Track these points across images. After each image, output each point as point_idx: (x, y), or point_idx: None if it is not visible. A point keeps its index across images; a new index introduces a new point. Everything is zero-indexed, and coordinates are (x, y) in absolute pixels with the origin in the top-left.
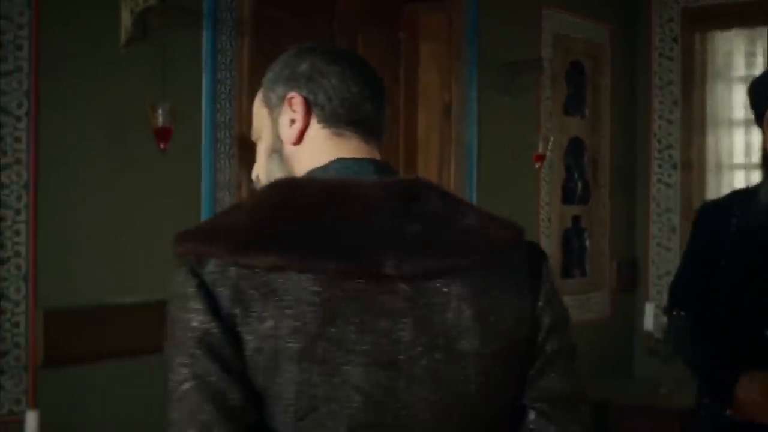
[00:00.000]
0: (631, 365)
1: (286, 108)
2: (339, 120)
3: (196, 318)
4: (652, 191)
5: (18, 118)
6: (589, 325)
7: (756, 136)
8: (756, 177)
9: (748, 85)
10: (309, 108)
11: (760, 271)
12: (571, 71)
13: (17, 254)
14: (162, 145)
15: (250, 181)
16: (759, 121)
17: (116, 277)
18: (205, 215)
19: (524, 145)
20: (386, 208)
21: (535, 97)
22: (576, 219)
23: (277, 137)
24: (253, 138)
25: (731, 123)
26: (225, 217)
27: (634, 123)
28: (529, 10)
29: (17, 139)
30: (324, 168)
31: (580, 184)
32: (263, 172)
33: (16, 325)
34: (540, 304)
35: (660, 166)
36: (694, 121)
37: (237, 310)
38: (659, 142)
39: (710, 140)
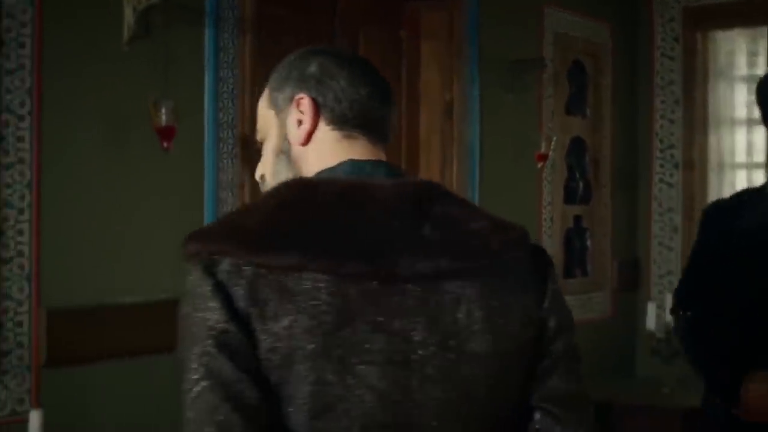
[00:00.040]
0: (633, 365)
1: (293, 109)
2: (347, 122)
3: (212, 317)
4: (653, 191)
5: (21, 117)
6: (591, 325)
7: (758, 135)
8: (758, 176)
9: (756, 84)
10: (317, 109)
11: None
12: (573, 70)
13: (20, 254)
14: (165, 144)
15: (254, 180)
16: (766, 120)
17: (120, 276)
18: (207, 215)
19: (526, 144)
20: (400, 210)
21: (536, 96)
22: (577, 219)
23: (284, 138)
24: (258, 138)
25: (733, 122)
26: (240, 217)
27: (635, 122)
28: (531, 9)
29: (20, 139)
30: (333, 169)
31: (581, 184)
32: (270, 172)
33: (19, 324)
34: (546, 306)
35: (662, 166)
36: (696, 120)
37: (252, 310)
38: (661, 141)
39: (712, 139)
